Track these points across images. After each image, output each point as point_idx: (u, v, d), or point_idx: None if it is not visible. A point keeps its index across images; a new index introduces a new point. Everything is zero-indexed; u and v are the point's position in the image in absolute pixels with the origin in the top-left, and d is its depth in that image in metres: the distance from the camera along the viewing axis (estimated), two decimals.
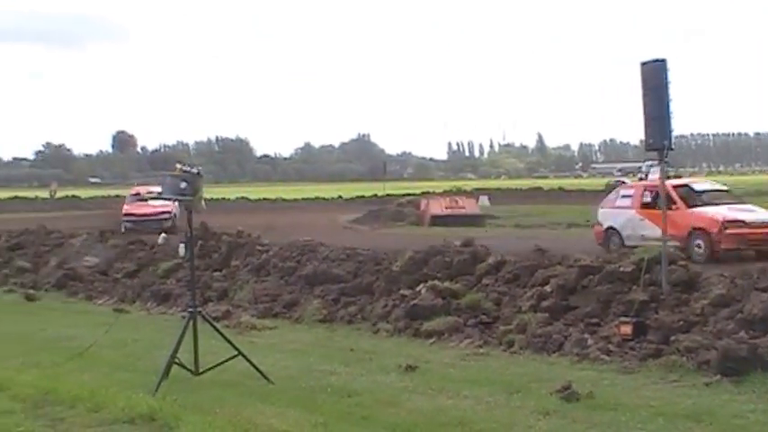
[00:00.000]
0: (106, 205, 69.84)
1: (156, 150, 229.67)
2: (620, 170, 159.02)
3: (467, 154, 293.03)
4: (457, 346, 14.82)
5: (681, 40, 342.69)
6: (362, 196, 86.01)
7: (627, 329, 13.54)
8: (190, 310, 12.17)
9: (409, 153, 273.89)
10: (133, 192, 49.54)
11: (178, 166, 12.11)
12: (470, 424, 9.92)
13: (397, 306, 16.78)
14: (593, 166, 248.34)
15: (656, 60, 14.61)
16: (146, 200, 45.16)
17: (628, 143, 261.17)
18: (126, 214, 44.83)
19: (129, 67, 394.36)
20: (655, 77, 14.53)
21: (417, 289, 16.99)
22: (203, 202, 12.26)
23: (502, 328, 15.04)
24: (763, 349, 11.83)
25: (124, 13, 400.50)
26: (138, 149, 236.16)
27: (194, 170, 12.02)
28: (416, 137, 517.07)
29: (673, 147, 14.94)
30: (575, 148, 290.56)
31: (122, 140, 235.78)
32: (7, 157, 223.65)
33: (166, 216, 42.62)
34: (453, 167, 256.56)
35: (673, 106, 14.62)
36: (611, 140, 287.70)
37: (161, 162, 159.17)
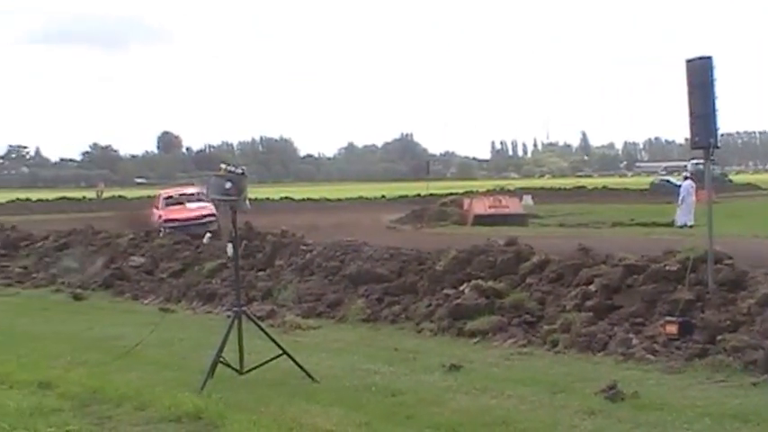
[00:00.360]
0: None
1: (201, 151, 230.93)
2: (664, 169, 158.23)
3: (510, 153, 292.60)
4: (501, 346, 14.77)
5: (728, 37, 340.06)
6: (406, 196, 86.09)
7: (672, 329, 13.44)
8: (235, 309, 12.26)
9: (452, 153, 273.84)
10: (165, 195, 45.95)
11: (222, 166, 12.20)
12: (514, 423, 9.90)
13: (440, 305, 16.74)
14: (638, 165, 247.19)
15: (702, 58, 14.50)
16: (182, 203, 43.25)
17: (673, 142, 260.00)
18: (167, 220, 40.52)
19: (174, 68, 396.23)
20: (700, 75, 14.41)
21: (461, 288, 16.96)
22: (248, 202, 12.32)
23: (546, 327, 14.98)
24: None
25: (168, 15, 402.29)
26: (183, 150, 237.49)
27: (239, 170, 12.09)
28: (459, 136, 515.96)
29: (719, 145, 14.84)
30: (619, 146, 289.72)
31: (167, 141, 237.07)
32: (54, 157, 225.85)
33: (212, 219, 39.05)
34: (496, 167, 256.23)
35: (718, 104, 14.52)
36: (655, 139, 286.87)
37: (206, 162, 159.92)
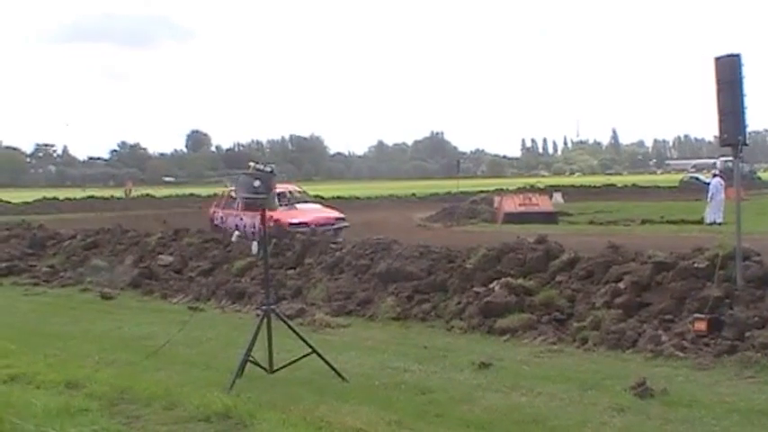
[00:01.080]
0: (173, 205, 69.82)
1: (231, 149, 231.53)
2: (694, 166, 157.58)
3: (540, 151, 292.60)
4: (531, 343, 14.77)
5: (758, 34, 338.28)
6: (436, 194, 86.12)
7: (701, 326, 13.41)
8: (264, 307, 12.27)
9: (482, 150, 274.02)
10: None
11: (251, 164, 12.23)
12: (544, 421, 9.93)
13: (470, 303, 16.74)
14: (668, 162, 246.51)
15: (731, 55, 14.45)
16: (291, 203, 36.95)
17: (702, 139, 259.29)
18: (292, 224, 33.19)
19: (202, 66, 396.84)
20: (729, 72, 14.37)
21: (491, 286, 16.94)
22: (276, 201, 12.36)
23: (576, 324, 14.97)
24: None
25: (196, 12, 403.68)
26: (213, 148, 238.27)
27: (267, 168, 12.12)
28: (490, 134, 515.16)
29: (747, 142, 14.79)
30: (648, 144, 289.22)
31: (197, 139, 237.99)
32: (83, 156, 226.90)
33: (345, 224, 35.61)
34: (527, 164, 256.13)
35: (747, 101, 14.48)
36: (685, 137, 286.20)
37: (235, 161, 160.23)
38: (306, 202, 38.72)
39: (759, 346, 12.44)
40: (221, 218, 37.04)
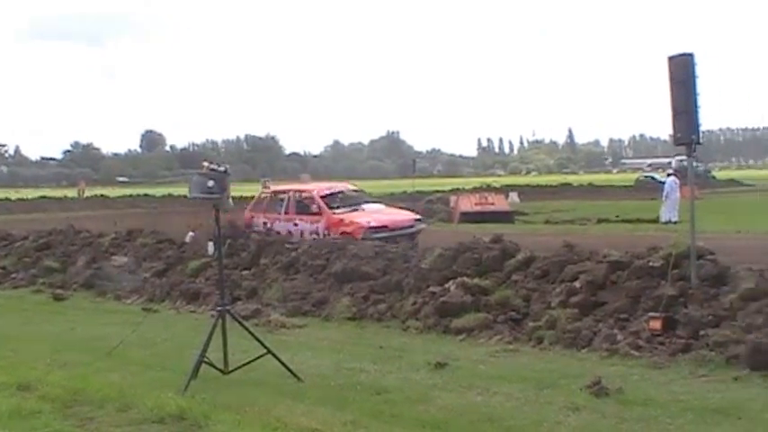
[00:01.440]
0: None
1: (185, 149, 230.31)
2: (649, 165, 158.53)
3: (496, 150, 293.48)
4: (486, 343, 14.78)
5: (712, 34, 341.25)
6: (392, 193, 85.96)
7: (656, 324, 13.49)
8: (219, 308, 12.22)
9: (439, 150, 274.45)
10: (320, 193, 31.22)
11: (205, 164, 12.16)
12: (500, 420, 9.92)
13: (426, 303, 16.71)
14: (623, 161, 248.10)
15: (684, 54, 14.53)
16: (355, 204, 31.07)
17: (658, 138, 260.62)
18: (372, 229, 28.28)
19: (157, 66, 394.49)
20: (682, 71, 14.44)
21: (446, 286, 16.93)
22: (231, 201, 12.30)
23: (531, 324, 14.99)
24: None
25: (152, 12, 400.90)
26: (167, 148, 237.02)
27: (221, 168, 12.05)
28: (446, 134, 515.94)
29: (701, 141, 14.87)
30: (604, 143, 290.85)
31: (151, 139, 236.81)
32: (35, 156, 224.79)
33: (423, 225, 31.13)
34: (483, 164, 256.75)
35: (700, 101, 14.56)
36: (640, 136, 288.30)
37: (190, 161, 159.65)
38: (368, 202, 32.29)
39: (713, 344, 12.53)
40: (265, 223, 30.32)
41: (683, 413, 9.89)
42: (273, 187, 35.81)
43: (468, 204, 48.42)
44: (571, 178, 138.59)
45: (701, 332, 12.99)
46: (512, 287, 16.52)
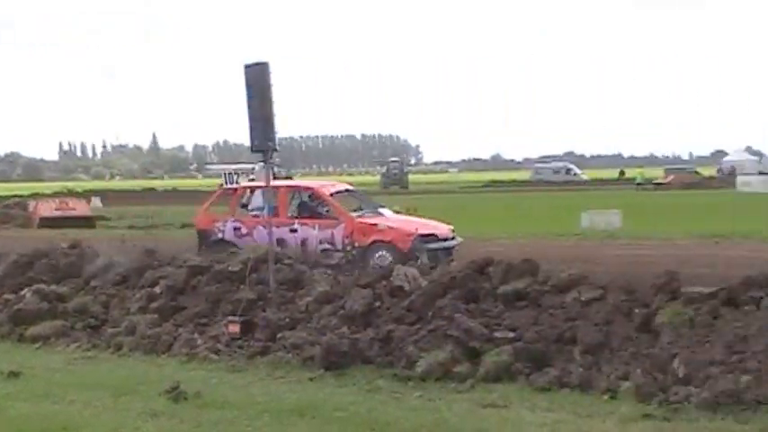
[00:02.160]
0: None
1: None
2: (235, 171, 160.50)
3: (79, 155, 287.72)
4: (64, 351, 14.50)
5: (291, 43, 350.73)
6: None
7: (235, 328, 13.76)
8: None
9: (18, 153, 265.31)
10: (334, 190, 23.69)
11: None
12: (76, 429, 9.82)
13: (0, 311, 16.21)
14: (207, 167, 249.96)
15: (259, 63, 14.84)
16: (365, 209, 23.28)
17: (242, 144, 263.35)
18: (423, 236, 21.44)
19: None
20: (258, 79, 14.74)
21: (22, 293, 16.48)
22: None
23: (110, 330, 14.88)
24: (362, 343, 12.50)
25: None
26: None
27: None
28: (25, 136, 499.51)
29: (277, 148, 15.27)
30: (189, 149, 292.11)
31: None
32: None
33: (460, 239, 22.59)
34: (65, 168, 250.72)
35: (276, 108, 14.92)
36: (224, 142, 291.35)
37: None
38: (377, 206, 24.34)
39: (290, 346, 12.96)
40: (235, 229, 22.55)
41: (261, 415, 10.14)
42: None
43: (48, 209, 47.23)
44: (156, 183, 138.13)
45: (279, 335, 13.40)
46: (90, 293, 16.32)
